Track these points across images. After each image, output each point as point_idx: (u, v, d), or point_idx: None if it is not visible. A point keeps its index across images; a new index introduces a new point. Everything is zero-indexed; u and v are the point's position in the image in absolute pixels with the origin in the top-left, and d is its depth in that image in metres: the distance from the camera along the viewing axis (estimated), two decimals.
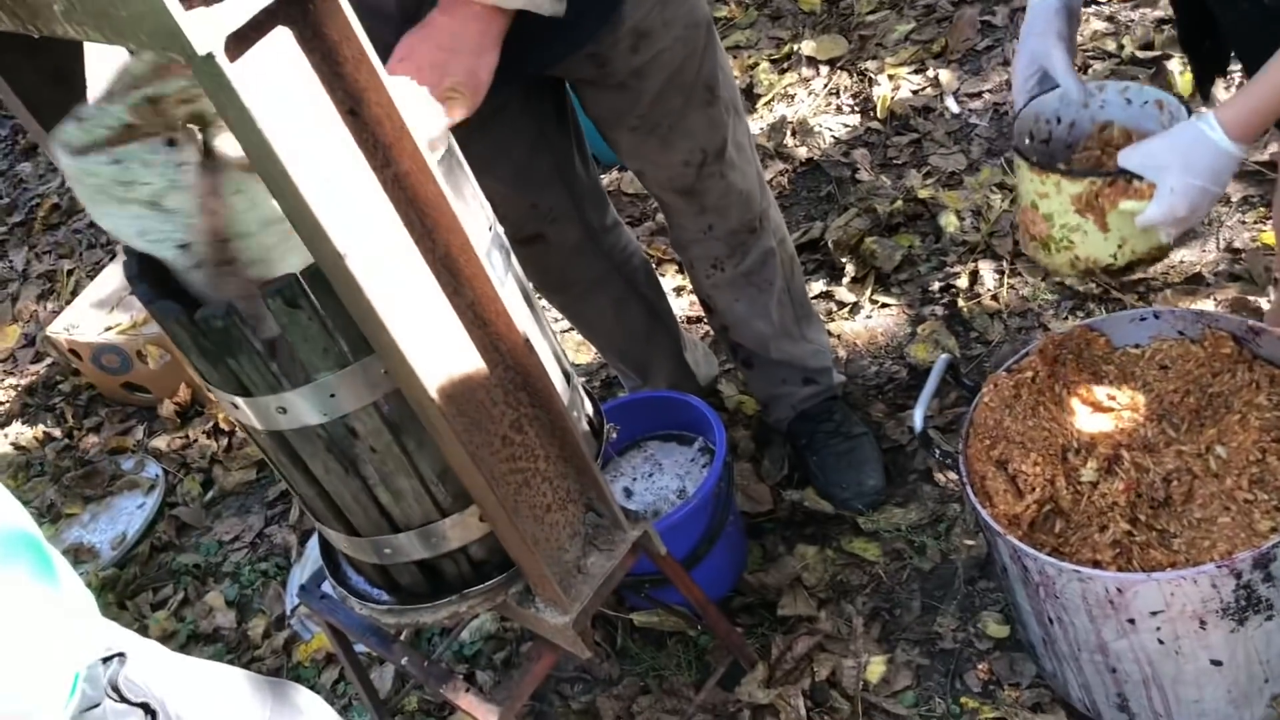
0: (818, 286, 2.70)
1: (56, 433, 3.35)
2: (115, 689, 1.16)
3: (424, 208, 1.27)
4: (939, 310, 2.52)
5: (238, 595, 2.58)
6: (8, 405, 3.59)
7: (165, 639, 2.53)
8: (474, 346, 1.37)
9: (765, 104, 3.36)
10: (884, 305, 2.59)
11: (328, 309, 1.26)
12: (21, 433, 3.41)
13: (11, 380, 3.72)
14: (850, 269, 2.70)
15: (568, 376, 1.62)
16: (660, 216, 3.13)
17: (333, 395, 1.33)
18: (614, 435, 1.73)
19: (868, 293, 2.63)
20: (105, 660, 1.18)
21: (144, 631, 2.53)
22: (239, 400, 1.38)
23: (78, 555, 2.83)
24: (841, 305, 2.64)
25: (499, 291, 1.33)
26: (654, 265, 2.46)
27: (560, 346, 1.64)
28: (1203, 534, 1.56)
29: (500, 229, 1.50)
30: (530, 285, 1.57)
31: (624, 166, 3.25)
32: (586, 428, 1.66)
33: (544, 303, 2.93)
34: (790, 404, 2.28)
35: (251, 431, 1.45)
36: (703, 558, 1.98)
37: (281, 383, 1.32)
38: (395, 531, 1.50)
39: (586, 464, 1.51)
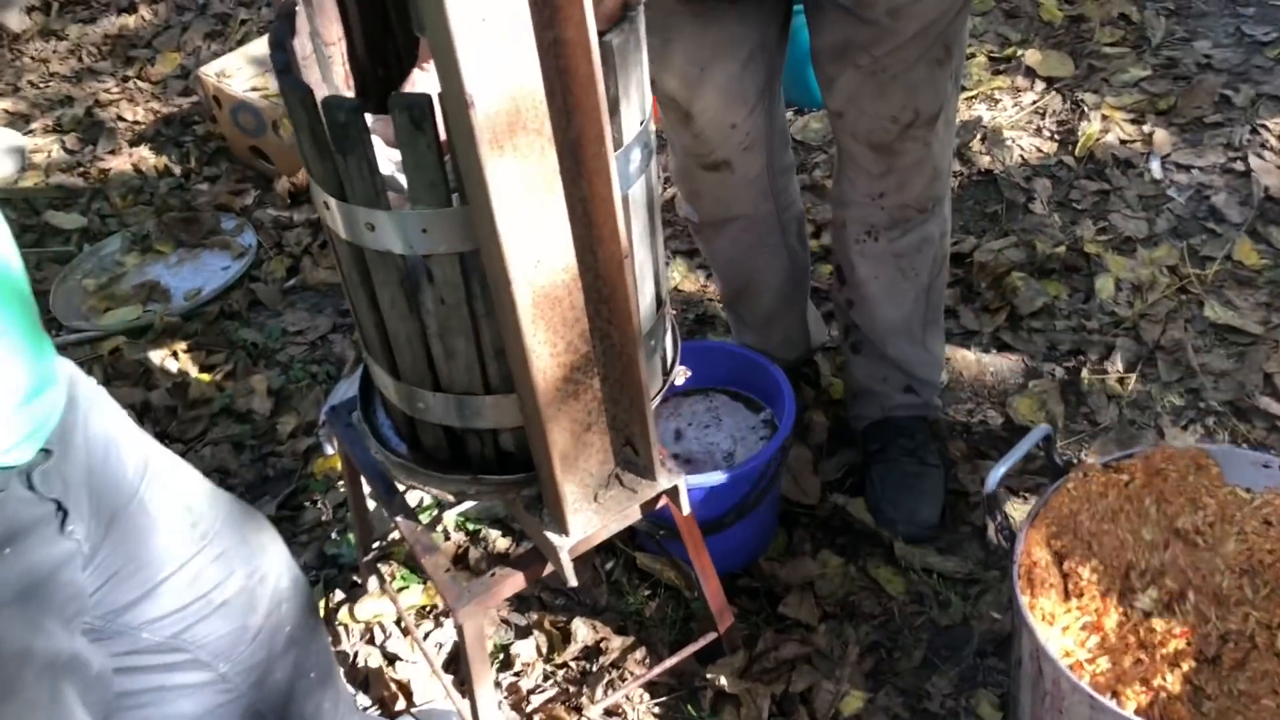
0: (946, 301, 2.55)
1: (176, 169, 3.38)
2: (28, 477, 1.07)
3: (571, 83, 1.18)
4: (1059, 372, 2.36)
5: (281, 387, 2.59)
6: (143, 128, 3.63)
7: (199, 403, 2.55)
8: (571, 242, 1.30)
9: (966, 99, 3.17)
10: (1005, 346, 2.45)
11: (449, 143, 1.19)
12: (145, 158, 3.45)
13: (155, 105, 3.75)
14: (986, 297, 2.54)
15: (660, 303, 1.54)
16: (816, 173, 3.00)
17: (424, 230, 1.27)
18: (681, 380, 1.64)
19: (993, 327, 2.48)
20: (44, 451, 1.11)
21: (183, 391, 2.56)
22: (332, 202, 1.32)
23: (151, 294, 2.86)
24: (963, 331, 2.50)
25: (617, 196, 1.24)
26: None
27: (664, 270, 1.55)
28: (1239, 708, 1.43)
29: (652, 130, 1.40)
30: (657, 194, 1.47)
31: (803, 110, 3.15)
32: (658, 361, 1.58)
33: (685, 228, 2.84)
34: (881, 405, 2.17)
35: (334, 238, 1.40)
36: (725, 528, 1.91)
37: (380, 199, 1.27)
38: (436, 390, 1.45)
39: (641, 400, 1.43)
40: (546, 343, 1.35)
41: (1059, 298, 2.53)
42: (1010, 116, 3.09)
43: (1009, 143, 2.98)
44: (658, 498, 1.56)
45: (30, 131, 3.65)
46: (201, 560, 1.34)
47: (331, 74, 1.50)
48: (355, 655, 2.02)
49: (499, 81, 1.11)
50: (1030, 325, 2.48)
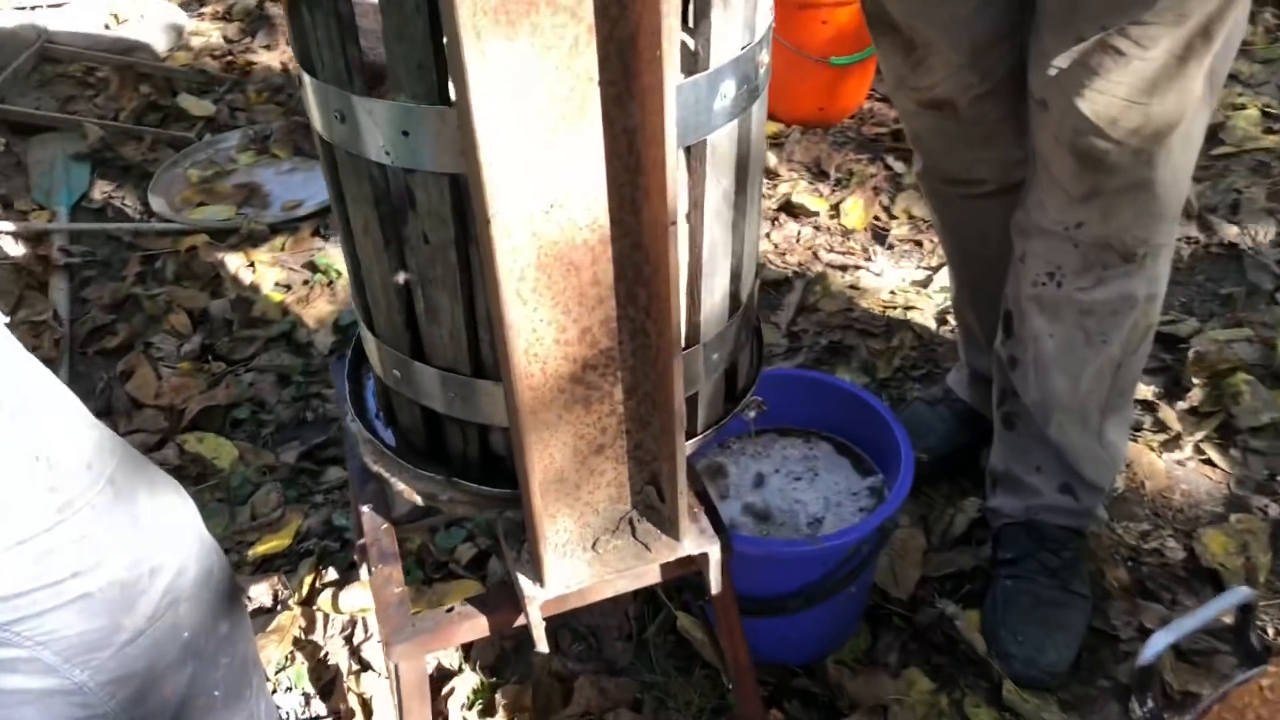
0: (1142, 390, 2.05)
1: None
2: None
3: None
4: (1274, 510, 1.83)
5: (350, 324, 2.29)
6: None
7: (259, 322, 2.28)
8: (605, 190, 0.91)
9: (1225, 156, 2.61)
10: (1207, 461, 1.92)
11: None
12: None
13: None
14: (1196, 395, 2.02)
15: (736, 303, 1.13)
16: None
17: (405, 134, 0.90)
18: (753, 414, 1.23)
19: (1199, 435, 1.95)
20: None
21: (246, 306, 2.30)
22: (305, 78, 0.98)
23: (250, 196, 2.63)
24: (1158, 428, 1.98)
25: (670, 131, 0.84)
26: None
27: (751, 261, 1.14)
28: None
29: (764, 63, 0.99)
30: (756, 156, 1.06)
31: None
32: (720, 381, 1.18)
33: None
34: (1025, 504, 1.68)
35: (313, 130, 1.05)
36: (788, 613, 1.49)
37: (351, 78, 0.91)
38: (414, 357, 1.09)
39: (673, 427, 1.03)
40: (551, 322, 0.96)
41: None
42: (1276, 186, 2.52)
43: (1268, 216, 2.41)
44: (681, 563, 1.16)
45: (200, 14, 3.50)
46: (56, 537, 1.00)
47: None
48: (326, 653, 1.69)
49: None
50: (1248, 443, 1.94)
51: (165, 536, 1.11)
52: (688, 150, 0.96)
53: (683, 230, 1.01)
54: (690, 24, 0.92)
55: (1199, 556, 1.75)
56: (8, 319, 1.04)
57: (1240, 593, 1.16)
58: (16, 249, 2.48)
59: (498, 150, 0.84)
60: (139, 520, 1.08)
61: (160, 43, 3.22)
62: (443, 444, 1.17)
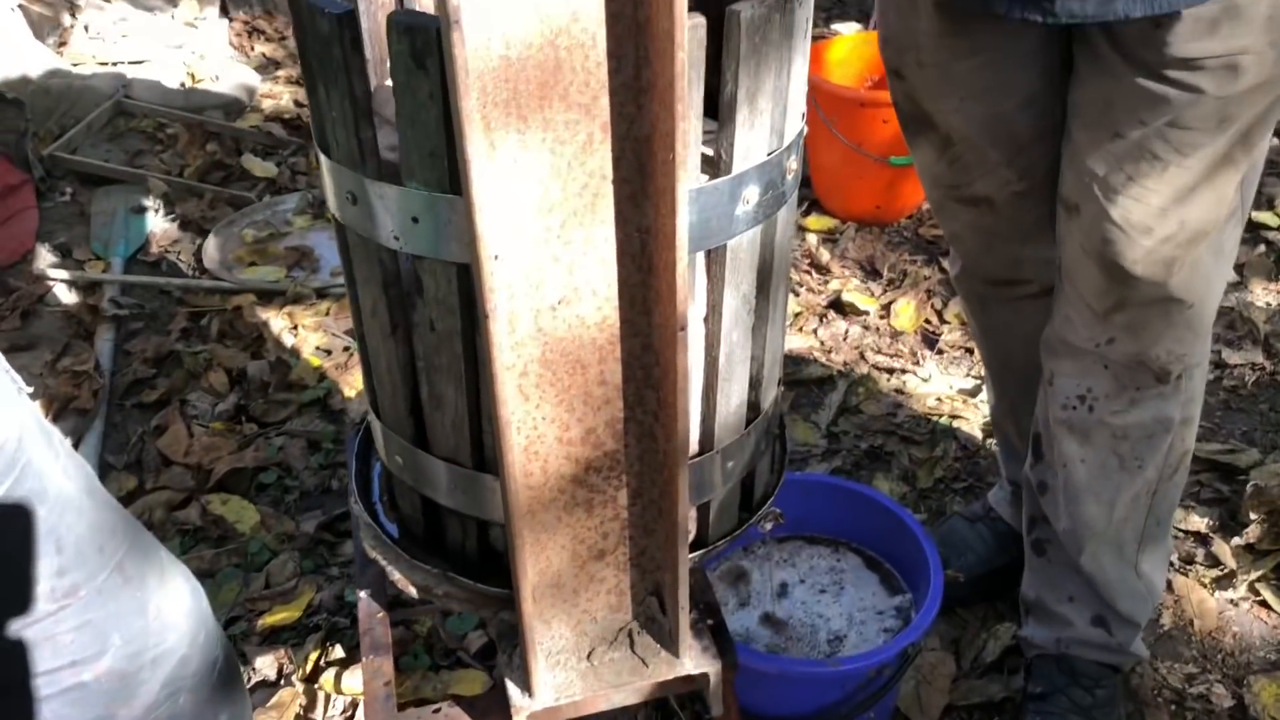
0: (1195, 521, 1.95)
1: None
2: None
3: (651, 45, 0.77)
4: None
5: None
6: None
7: (295, 386, 2.28)
8: (615, 287, 0.87)
9: None
10: (1262, 603, 1.81)
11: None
12: None
13: None
14: (1253, 531, 1.91)
15: (755, 411, 1.08)
16: None
17: (415, 220, 0.88)
18: (770, 526, 1.18)
19: (1255, 575, 1.85)
20: None
21: (284, 370, 2.30)
22: (321, 158, 0.96)
23: (301, 260, 2.64)
24: (1211, 564, 1.88)
25: (682, 232, 0.81)
26: None
27: (773, 367, 1.10)
28: None
29: (792, 170, 0.95)
30: (780, 262, 1.02)
31: None
32: (735, 490, 1.12)
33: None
34: (1057, 635, 1.59)
35: (329, 210, 1.04)
36: None
37: (365, 161, 0.89)
38: (416, 444, 1.06)
39: (677, 537, 0.98)
40: (553, 420, 0.93)
41: None
42: None
43: None
44: (682, 682, 1.10)
45: (275, 78, 3.58)
46: (59, 623, 0.97)
47: None
48: None
49: (534, 6, 0.71)
50: None
51: (171, 625, 1.07)
52: (708, 254, 0.93)
53: (699, 334, 0.98)
54: (713, 129, 0.89)
55: (1248, 706, 1.64)
56: (30, 389, 1.02)
57: None
58: (69, 297, 2.51)
59: (503, 243, 0.81)
60: (145, 608, 1.04)
61: (231, 103, 3.29)
62: (442, 536, 1.12)
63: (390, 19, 0.80)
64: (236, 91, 3.32)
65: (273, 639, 1.79)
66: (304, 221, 2.79)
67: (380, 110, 0.95)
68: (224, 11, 3.87)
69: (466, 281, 0.90)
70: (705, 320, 0.97)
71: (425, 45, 0.78)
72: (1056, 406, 1.47)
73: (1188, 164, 1.24)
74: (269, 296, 2.52)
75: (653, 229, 0.84)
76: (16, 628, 0.94)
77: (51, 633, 0.96)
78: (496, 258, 0.81)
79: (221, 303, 2.50)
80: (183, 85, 3.34)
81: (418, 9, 1.12)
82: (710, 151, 0.89)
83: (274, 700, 1.67)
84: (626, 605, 1.06)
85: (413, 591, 1.14)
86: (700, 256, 0.92)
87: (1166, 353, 1.38)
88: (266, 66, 3.66)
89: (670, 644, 1.06)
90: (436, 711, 1.14)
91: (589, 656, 1.07)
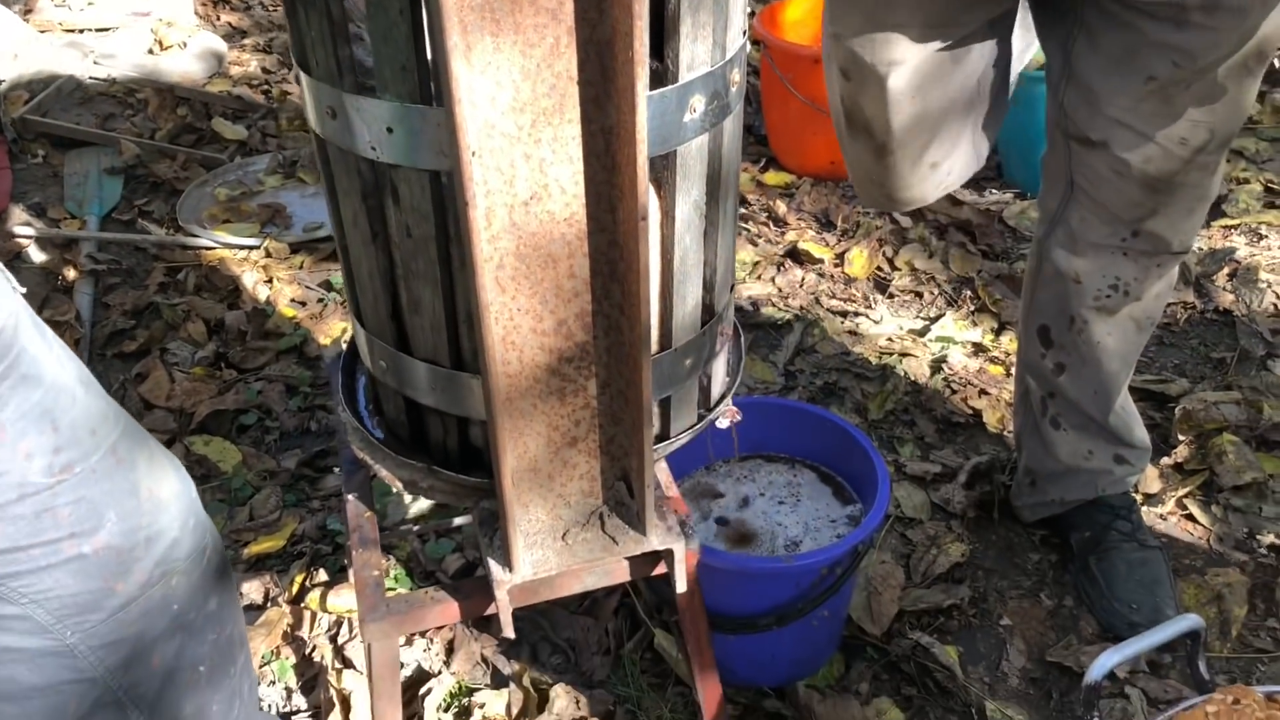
0: None
1: None
2: None
3: None
4: (1250, 565, 1.84)
5: None
6: None
7: (271, 334, 2.35)
8: (582, 184, 0.97)
9: (1224, 227, 2.66)
10: (1189, 517, 1.94)
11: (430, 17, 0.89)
12: None
13: None
14: (1182, 453, 2.05)
15: (709, 314, 1.19)
16: (1018, 265, 2.56)
17: (389, 130, 0.97)
18: (727, 422, 1.28)
19: (1182, 491, 1.98)
20: None
21: (260, 319, 2.37)
22: (301, 76, 1.05)
23: (274, 216, 2.71)
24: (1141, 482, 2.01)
25: (641, 131, 0.90)
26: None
27: (727, 273, 1.20)
28: None
29: (735, 82, 1.05)
30: (728, 170, 1.12)
31: (1026, 195, 2.70)
32: (694, 388, 1.23)
33: None
34: (1094, 484, 1.80)
35: (308, 125, 1.12)
36: (760, 630, 1.52)
37: (341, 76, 0.98)
38: (398, 348, 1.15)
39: (642, 423, 1.08)
40: (529, 312, 1.02)
41: (1276, 477, 2.00)
42: (1273, 258, 2.56)
43: (1263, 286, 2.45)
44: (650, 561, 1.20)
45: (241, 46, 3.63)
46: (56, 496, 1.05)
47: None
48: (313, 648, 1.73)
49: None
50: (1230, 501, 1.96)
51: (162, 508, 1.15)
52: (660, 160, 1.02)
53: (655, 237, 1.07)
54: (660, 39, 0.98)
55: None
56: (24, 290, 1.10)
57: (1188, 620, 1.20)
58: (46, 254, 2.57)
59: (479, 140, 0.90)
60: (137, 489, 1.12)
61: (197, 69, 3.34)
62: (425, 435, 1.22)
63: None
64: (206, 58, 3.37)
65: (258, 566, 1.87)
66: (275, 181, 2.86)
67: (355, 27, 1.04)
68: None
69: (439, 188, 1.00)
70: (660, 226, 1.07)
71: None
72: (1088, 299, 1.62)
73: (1210, 80, 1.37)
74: (244, 251, 2.59)
75: (615, 129, 0.94)
76: (20, 494, 1.01)
77: (50, 505, 1.03)
78: (474, 154, 0.90)
79: (197, 258, 2.57)
80: (151, 52, 3.39)
81: None
82: (656, 65, 0.98)
83: (262, 620, 1.76)
84: (597, 490, 1.16)
85: (399, 486, 1.24)
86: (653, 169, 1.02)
87: (1186, 235, 1.55)
88: (232, 35, 3.71)
89: (638, 524, 1.16)
90: (425, 594, 1.24)
91: (564, 537, 1.17)
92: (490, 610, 1.23)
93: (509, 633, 1.18)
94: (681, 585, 1.20)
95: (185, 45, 3.41)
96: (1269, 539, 1.89)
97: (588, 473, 1.15)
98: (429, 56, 0.92)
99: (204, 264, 2.55)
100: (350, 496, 1.35)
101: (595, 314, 1.05)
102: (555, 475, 1.14)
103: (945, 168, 1.60)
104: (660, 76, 0.99)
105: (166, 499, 1.16)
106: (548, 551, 1.16)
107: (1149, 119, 1.42)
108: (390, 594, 1.23)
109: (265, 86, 3.35)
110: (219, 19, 3.83)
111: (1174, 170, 1.45)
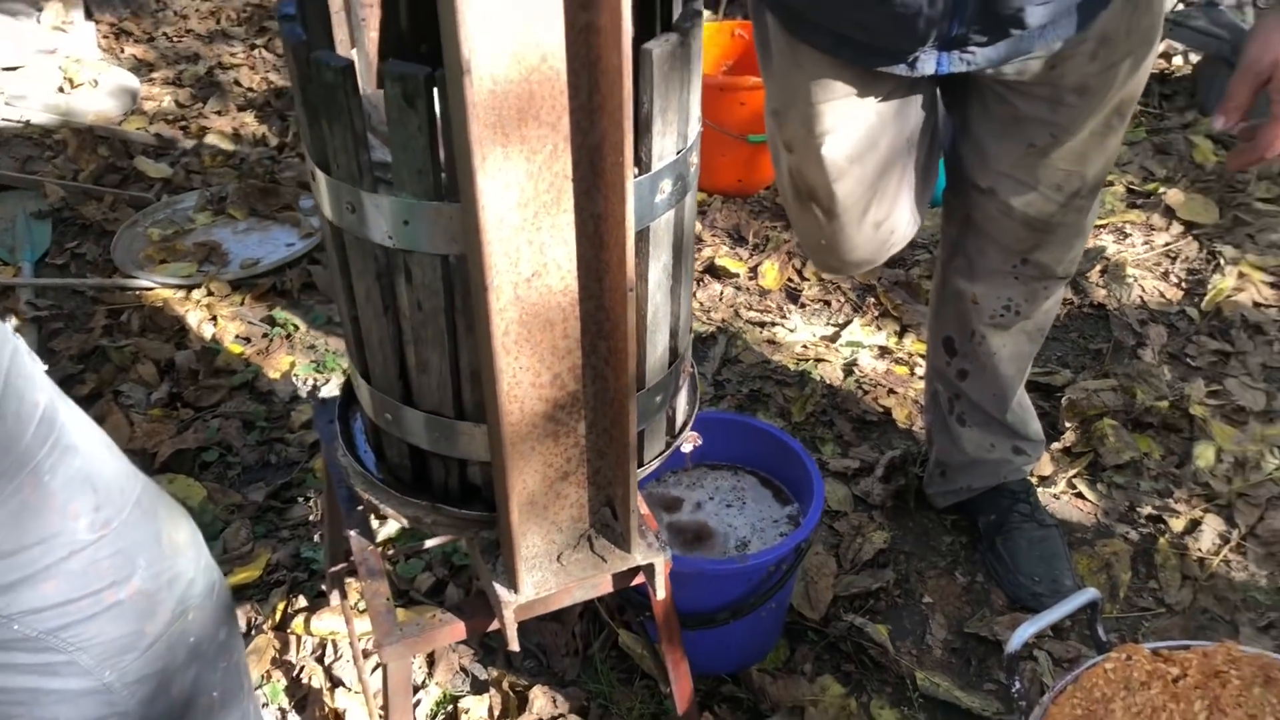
0: None
1: (273, 141, 3.34)
2: None
3: (600, 78, 1.03)
4: (1134, 536, 2.10)
5: (308, 375, 2.47)
6: (255, 96, 3.61)
7: (222, 372, 2.45)
8: (575, 261, 1.13)
9: (1095, 226, 2.93)
10: (1079, 495, 2.20)
11: (444, 130, 1.05)
12: (247, 124, 3.42)
13: (274, 77, 3.74)
14: (1069, 438, 2.30)
15: (675, 357, 1.36)
16: (915, 271, 2.80)
17: (406, 223, 1.12)
18: (689, 447, 1.46)
19: (1071, 472, 2.23)
20: None
21: (210, 357, 2.46)
22: (319, 174, 1.19)
23: (210, 254, 2.79)
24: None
25: (630, 218, 1.07)
26: None
27: (687, 322, 1.38)
28: None
29: (693, 166, 1.23)
30: (688, 238, 1.30)
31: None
32: (663, 421, 1.40)
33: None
34: (997, 472, 2.05)
35: (320, 215, 1.26)
36: (717, 624, 1.71)
37: (362, 177, 1.12)
38: (405, 402, 1.30)
39: (627, 457, 1.25)
40: (529, 370, 1.18)
41: (1150, 455, 2.27)
42: (1138, 254, 2.85)
43: (1130, 280, 2.74)
44: (631, 574, 1.38)
45: (151, 80, 3.67)
46: (99, 550, 1.17)
47: (364, 39, 1.37)
48: (300, 670, 1.86)
49: (513, 53, 0.96)
50: (1112, 479, 2.22)
51: (179, 551, 1.28)
52: (637, 235, 1.19)
53: (632, 298, 1.24)
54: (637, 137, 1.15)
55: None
56: (46, 367, 1.22)
57: (1087, 593, 1.42)
58: None
59: (495, 233, 1.06)
60: (159, 537, 1.25)
61: (112, 106, 3.37)
62: (427, 476, 1.37)
63: (385, 69, 1.03)
64: (119, 94, 3.41)
65: (238, 596, 1.99)
66: (206, 218, 2.94)
67: (373, 135, 1.18)
68: (89, 14, 3.92)
69: (447, 268, 1.15)
70: (635, 288, 1.24)
71: (414, 88, 1.02)
72: (985, 317, 1.86)
73: (1080, 138, 1.60)
74: (184, 291, 2.67)
75: (603, 214, 1.11)
76: (69, 552, 1.14)
77: (94, 559, 1.16)
78: (490, 244, 1.06)
79: (139, 299, 2.64)
80: (62, 90, 3.41)
81: (352, 51, 1.36)
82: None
83: (251, 647, 1.88)
84: (585, 515, 1.33)
85: (404, 522, 1.38)
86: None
87: (1068, 263, 1.79)
88: (140, 68, 3.74)
89: (623, 543, 1.33)
90: (432, 617, 1.39)
91: (558, 558, 1.33)
92: (493, 627, 1.38)
93: (514, 646, 1.34)
94: (661, 593, 1.38)
95: (96, 83, 3.44)
96: (1147, 510, 2.16)
97: (577, 501, 1.32)
98: (441, 159, 1.08)
99: (146, 305, 2.62)
100: (352, 533, 1.49)
101: (584, 366, 1.22)
102: (549, 505, 1.30)
103: (888, 226, 1.77)
104: (636, 164, 1.16)
105: (182, 543, 1.30)
106: (545, 573, 1.32)
107: (1029, 171, 1.64)
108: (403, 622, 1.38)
109: (183, 122, 3.40)
110: (123, 51, 3.85)
111: (1052, 212, 1.68)
